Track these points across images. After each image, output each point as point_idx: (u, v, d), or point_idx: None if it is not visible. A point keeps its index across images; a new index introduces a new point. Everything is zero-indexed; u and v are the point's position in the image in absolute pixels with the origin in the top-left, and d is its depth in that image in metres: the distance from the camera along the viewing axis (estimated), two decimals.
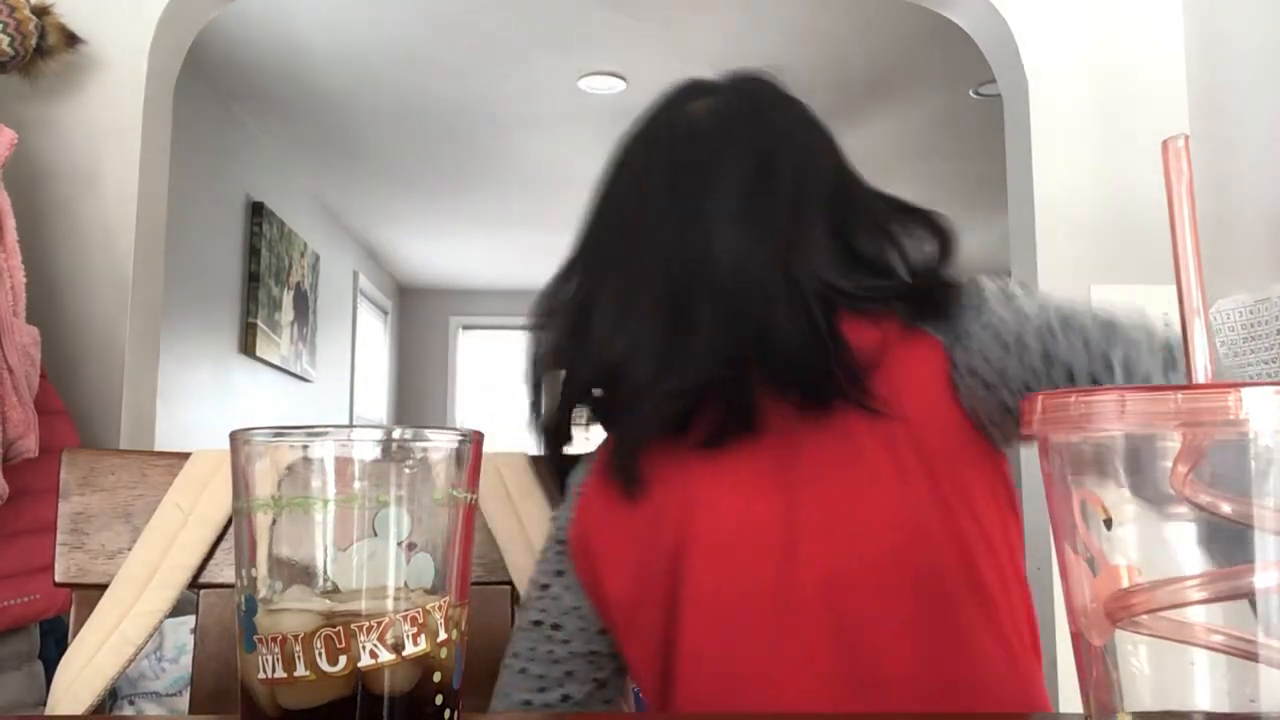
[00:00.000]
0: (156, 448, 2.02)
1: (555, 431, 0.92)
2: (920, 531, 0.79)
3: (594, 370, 0.89)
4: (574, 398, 0.91)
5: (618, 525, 0.86)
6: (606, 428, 0.90)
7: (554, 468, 0.94)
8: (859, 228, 0.92)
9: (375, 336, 7.25)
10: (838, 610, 0.79)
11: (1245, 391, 0.37)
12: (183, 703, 1.98)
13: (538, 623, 0.86)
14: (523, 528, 0.90)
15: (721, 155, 0.92)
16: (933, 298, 0.86)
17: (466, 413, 8.15)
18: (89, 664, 0.80)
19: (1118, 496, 0.41)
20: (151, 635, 0.82)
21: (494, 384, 8.23)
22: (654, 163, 0.95)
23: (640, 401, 0.84)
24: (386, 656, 0.45)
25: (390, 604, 0.46)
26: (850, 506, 0.80)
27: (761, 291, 0.84)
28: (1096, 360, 0.78)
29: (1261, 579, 0.38)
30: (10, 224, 1.41)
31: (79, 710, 0.79)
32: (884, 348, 0.83)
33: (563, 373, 0.92)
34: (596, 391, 0.91)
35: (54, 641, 1.53)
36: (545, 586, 0.88)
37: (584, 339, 0.89)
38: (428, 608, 0.46)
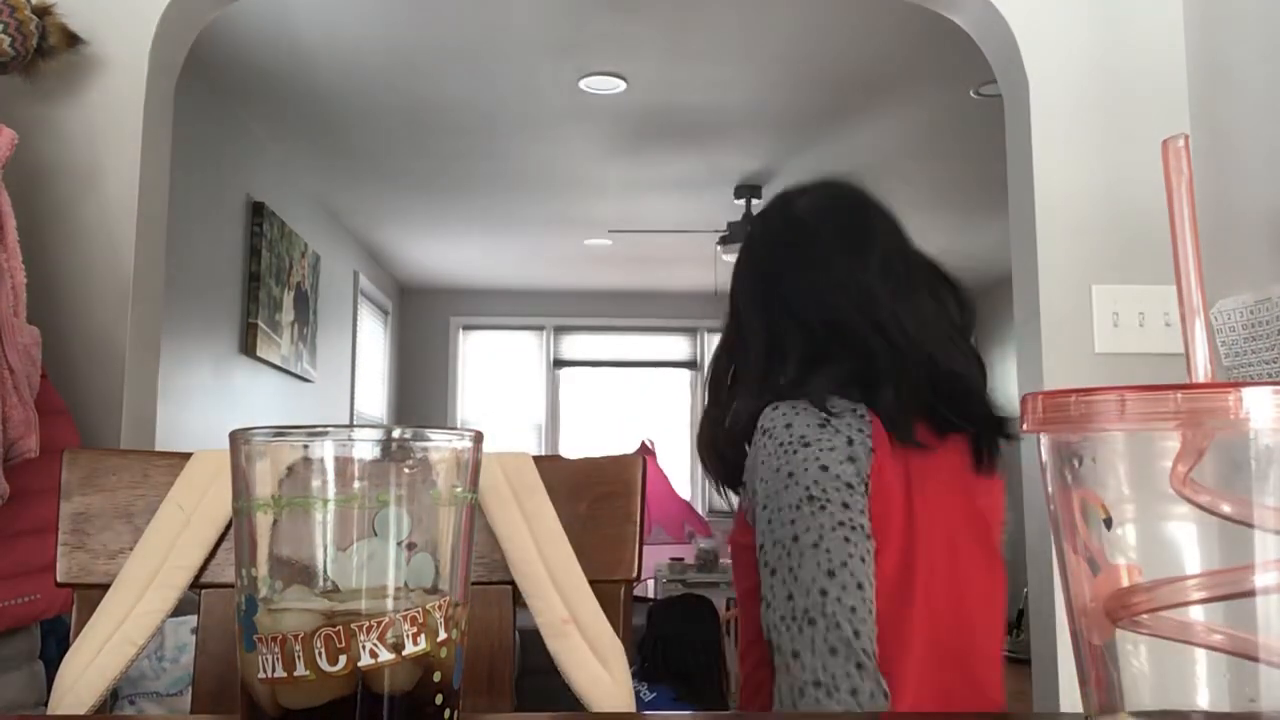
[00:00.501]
0: (157, 448, 2.02)
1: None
2: (992, 557, 1.18)
3: (819, 366, 1.18)
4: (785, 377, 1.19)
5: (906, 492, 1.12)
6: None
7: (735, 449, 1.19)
8: (945, 294, 1.25)
9: (375, 336, 7.25)
10: (954, 608, 1.12)
11: (1245, 391, 0.37)
12: (183, 703, 1.98)
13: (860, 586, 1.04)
14: (524, 527, 0.90)
15: (843, 230, 1.22)
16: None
17: (467, 412, 8.15)
18: (90, 664, 0.80)
19: (1118, 496, 0.41)
20: (153, 635, 0.82)
21: (494, 384, 8.24)
22: (783, 245, 1.25)
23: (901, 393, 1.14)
24: (386, 656, 0.45)
25: (390, 604, 0.46)
26: (979, 528, 1.17)
27: (929, 341, 1.18)
28: None
29: (1261, 579, 0.38)
30: (10, 224, 1.41)
31: (80, 710, 0.79)
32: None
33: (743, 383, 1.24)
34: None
35: (55, 641, 1.53)
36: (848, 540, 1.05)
37: (780, 336, 1.20)
38: (428, 608, 0.46)
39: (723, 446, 1.22)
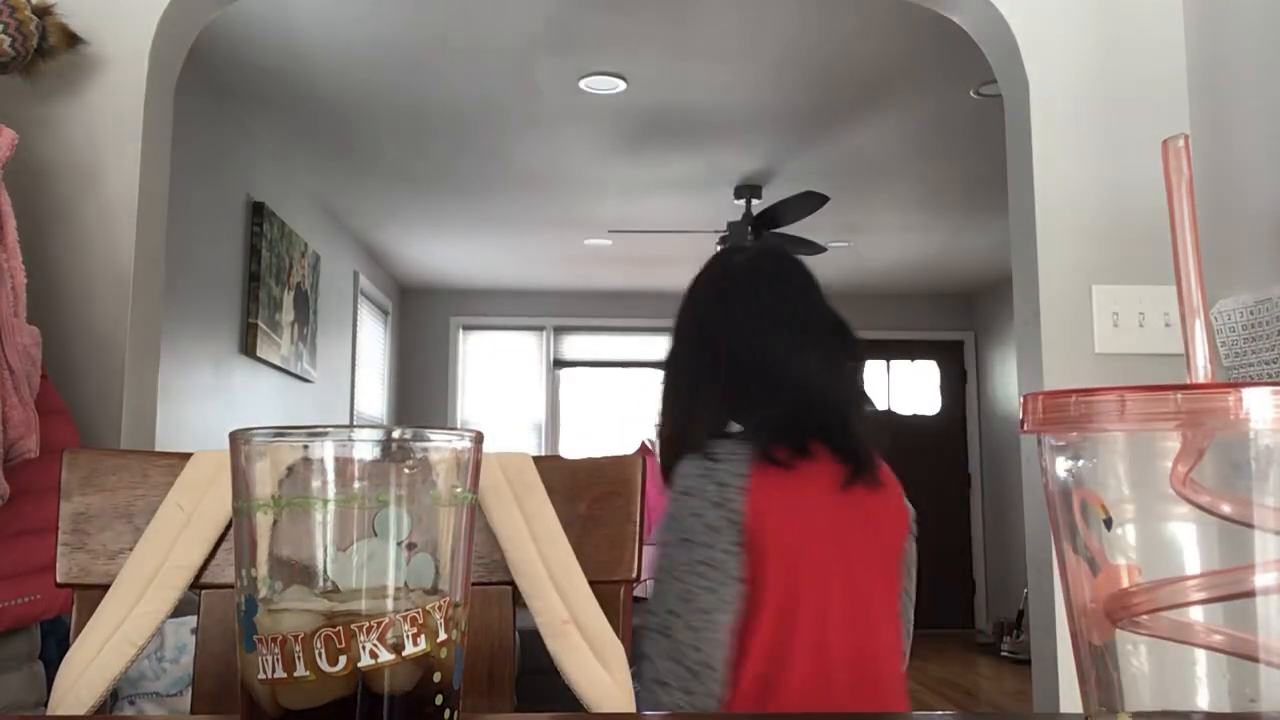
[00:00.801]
0: (157, 448, 2.02)
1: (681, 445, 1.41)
2: (887, 561, 1.43)
3: (717, 410, 1.45)
4: (696, 422, 1.44)
5: (783, 518, 1.35)
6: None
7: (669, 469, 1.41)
8: (838, 345, 1.51)
9: (375, 336, 7.25)
10: (853, 594, 1.37)
11: (1245, 391, 0.37)
12: (183, 703, 1.98)
13: (713, 553, 1.31)
14: (524, 527, 0.90)
15: (760, 289, 1.50)
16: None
17: (467, 413, 8.15)
18: (90, 664, 0.80)
19: (1118, 496, 0.41)
20: (153, 635, 0.82)
21: (494, 384, 8.24)
22: (715, 292, 1.53)
23: (786, 426, 1.40)
24: (386, 656, 0.45)
25: (390, 604, 0.46)
26: (869, 537, 1.41)
27: (813, 382, 1.44)
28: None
29: (1261, 579, 0.38)
30: (11, 224, 1.41)
31: (80, 710, 0.79)
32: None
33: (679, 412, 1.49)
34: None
35: (55, 642, 1.53)
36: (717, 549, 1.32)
37: (693, 389, 1.47)
38: (428, 608, 0.46)
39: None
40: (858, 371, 1.55)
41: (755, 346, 1.45)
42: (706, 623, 1.28)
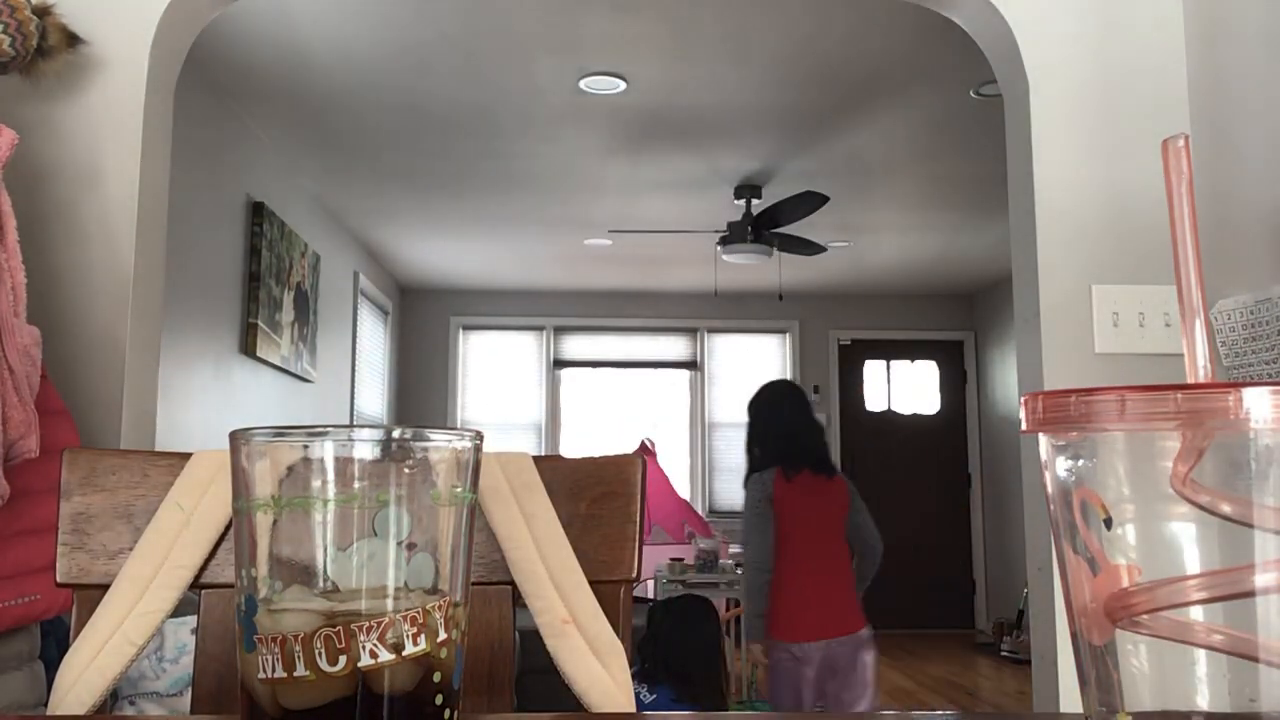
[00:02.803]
0: (157, 448, 2.02)
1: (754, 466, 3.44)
2: (835, 512, 3.40)
3: (768, 455, 3.41)
4: (758, 461, 3.44)
5: (787, 498, 3.32)
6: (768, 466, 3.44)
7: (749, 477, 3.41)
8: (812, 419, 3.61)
9: (375, 336, 7.25)
10: (816, 527, 3.35)
11: (1245, 391, 0.37)
12: (183, 703, 1.98)
13: (761, 516, 3.30)
14: (524, 527, 0.90)
15: (787, 398, 3.55)
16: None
17: (467, 413, 8.16)
18: (90, 664, 0.80)
19: (1118, 496, 0.41)
20: (153, 635, 0.82)
21: (494, 384, 8.24)
22: (767, 402, 3.53)
23: (789, 461, 3.38)
24: (386, 656, 0.45)
25: (390, 604, 0.46)
26: (832, 508, 3.39)
27: (810, 437, 3.50)
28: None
29: (1261, 579, 0.38)
30: (11, 224, 1.41)
31: (80, 710, 0.79)
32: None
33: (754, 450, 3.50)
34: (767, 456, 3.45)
35: (55, 642, 1.53)
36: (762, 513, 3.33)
37: (757, 446, 3.48)
38: (428, 608, 0.46)
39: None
40: (820, 430, 3.49)
41: (775, 424, 3.36)
42: (760, 543, 3.22)
